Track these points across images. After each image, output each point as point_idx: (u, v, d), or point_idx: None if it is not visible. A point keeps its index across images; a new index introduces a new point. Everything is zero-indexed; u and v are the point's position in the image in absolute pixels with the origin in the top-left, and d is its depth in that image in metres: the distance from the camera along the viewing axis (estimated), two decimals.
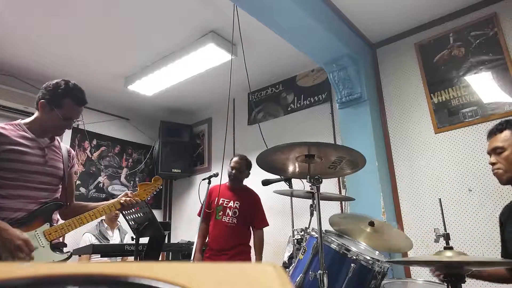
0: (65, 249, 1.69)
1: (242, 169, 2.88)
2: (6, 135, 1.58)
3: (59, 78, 1.73)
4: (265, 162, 1.64)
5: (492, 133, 1.60)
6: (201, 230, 2.72)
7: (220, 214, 2.83)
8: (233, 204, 2.84)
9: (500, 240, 1.71)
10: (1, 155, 1.55)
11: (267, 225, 2.93)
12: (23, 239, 1.48)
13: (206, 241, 2.89)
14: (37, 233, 1.59)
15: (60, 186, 1.78)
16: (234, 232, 2.78)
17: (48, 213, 1.67)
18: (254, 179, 2.91)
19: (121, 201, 1.81)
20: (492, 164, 1.57)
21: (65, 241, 1.82)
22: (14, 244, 1.45)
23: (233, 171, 2.86)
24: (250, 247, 2.90)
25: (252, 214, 2.88)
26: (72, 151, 1.92)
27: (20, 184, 1.59)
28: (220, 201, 2.86)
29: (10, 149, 1.57)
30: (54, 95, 1.67)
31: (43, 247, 1.59)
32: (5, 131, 1.59)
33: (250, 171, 2.94)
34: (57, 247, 1.64)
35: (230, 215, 2.81)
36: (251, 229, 2.92)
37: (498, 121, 2.68)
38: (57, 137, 1.83)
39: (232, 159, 2.94)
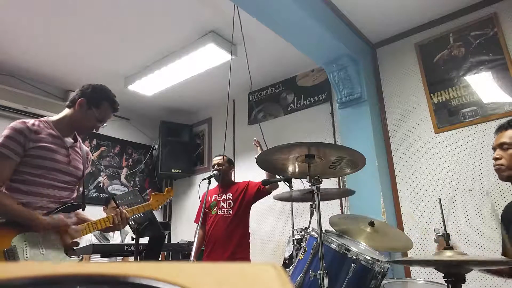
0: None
1: (223, 163, 2.91)
2: (36, 131, 1.61)
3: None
4: (265, 162, 1.64)
5: (501, 129, 1.61)
6: (199, 236, 2.74)
7: (215, 209, 2.89)
8: (226, 196, 2.89)
9: (501, 240, 1.71)
10: (31, 151, 1.58)
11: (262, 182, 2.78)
12: (50, 224, 1.54)
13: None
14: None
15: (77, 187, 1.81)
16: (231, 223, 2.80)
17: (68, 213, 1.67)
18: (254, 179, 2.92)
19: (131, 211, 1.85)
20: (496, 159, 1.57)
21: None
22: (46, 228, 1.52)
23: (216, 166, 2.89)
24: (249, 244, 2.90)
25: (248, 195, 2.87)
26: (90, 154, 1.96)
27: (44, 181, 1.61)
28: (213, 198, 2.94)
29: (41, 146, 1.60)
30: (94, 95, 1.74)
31: (58, 248, 1.59)
32: (35, 127, 1.62)
33: (233, 165, 3.11)
34: (70, 247, 1.65)
35: (225, 207, 2.86)
36: (249, 219, 2.92)
37: (498, 121, 2.70)
38: (79, 138, 1.85)
39: (212, 162, 3.02)
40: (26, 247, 1.50)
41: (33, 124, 1.62)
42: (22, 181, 1.57)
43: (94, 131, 1.81)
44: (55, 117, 1.75)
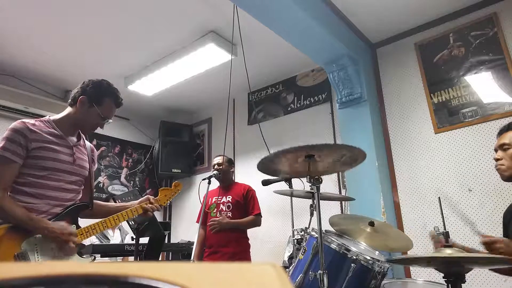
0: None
1: (224, 164, 2.94)
2: (37, 131, 1.56)
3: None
4: (266, 168, 1.64)
5: (502, 130, 1.64)
6: (200, 236, 2.75)
7: (214, 211, 2.90)
8: (226, 199, 2.91)
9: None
10: (33, 152, 1.53)
11: (259, 211, 2.91)
12: (69, 232, 1.51)
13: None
14: None
15: (83, 187, 1.76)
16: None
17: (74, 215, 1.64)
18: (254, 179, 2.91)
19: (144, 207, 1.79)
20: (497, 160, 1.60)
21: None
22: (62, 238, 1.48)
23: (216, 166, 2.92)
24: (249, 244, 2.91)
25: (244, 204, 2.91)
26: (95, 150, 1.91)
27: (49, 183, 1.57)
28: (213, 200, 2.94)
29: (42, 147, 1.55)
30: (96, 92, 1.69)
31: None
32: (36, 127, 1.57)
33: (233, 165, 3.12)
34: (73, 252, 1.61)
35: (225, 209, 2.87)
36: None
37: (498, 121, 2.70)
38: (83, 136, 1.81)
39: (212, 162, 3.04)
40: (37, 250, 1.47)
41: (34, 124, 1.57)
42: (27, 183, 1.53)
43: (99, 128, 1.75)
44: (57, 116, 1.70)
